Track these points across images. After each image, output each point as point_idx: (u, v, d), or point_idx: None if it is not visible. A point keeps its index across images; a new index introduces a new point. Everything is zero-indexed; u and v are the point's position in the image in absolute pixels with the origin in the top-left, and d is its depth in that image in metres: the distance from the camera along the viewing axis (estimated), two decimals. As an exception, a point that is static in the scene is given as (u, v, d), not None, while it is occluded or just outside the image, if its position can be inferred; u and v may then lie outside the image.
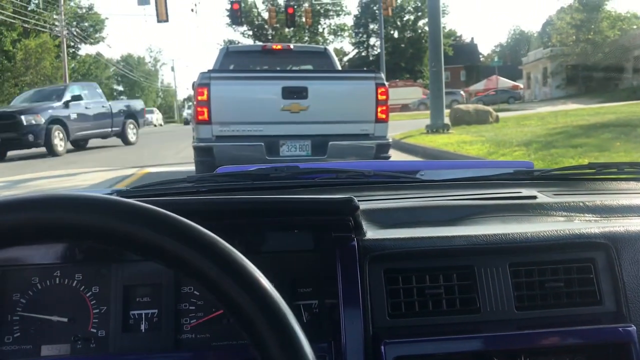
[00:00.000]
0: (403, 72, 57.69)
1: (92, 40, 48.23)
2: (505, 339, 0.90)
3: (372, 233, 0.98)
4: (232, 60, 7.05)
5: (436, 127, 13.73)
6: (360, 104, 5.53)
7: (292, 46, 7.50)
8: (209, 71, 5.58)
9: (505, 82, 46.49)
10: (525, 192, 1.30)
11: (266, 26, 55.31)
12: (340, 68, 7.37)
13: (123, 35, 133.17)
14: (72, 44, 42.50)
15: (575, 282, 0.96)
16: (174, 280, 0.95)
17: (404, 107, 40.95)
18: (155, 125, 40.55)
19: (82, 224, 0.48)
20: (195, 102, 5.49)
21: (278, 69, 6.67)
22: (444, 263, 0.95)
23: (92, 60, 51.91)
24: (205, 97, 5.31)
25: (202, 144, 5.43)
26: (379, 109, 5.51)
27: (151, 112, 43.86)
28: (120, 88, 78.14)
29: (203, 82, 5.35)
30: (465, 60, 65.18)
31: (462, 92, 42.24)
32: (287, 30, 55.26)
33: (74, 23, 44.03)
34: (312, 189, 1.34)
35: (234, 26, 56.11)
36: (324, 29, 57.73)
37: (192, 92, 6.00)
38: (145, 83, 72.62)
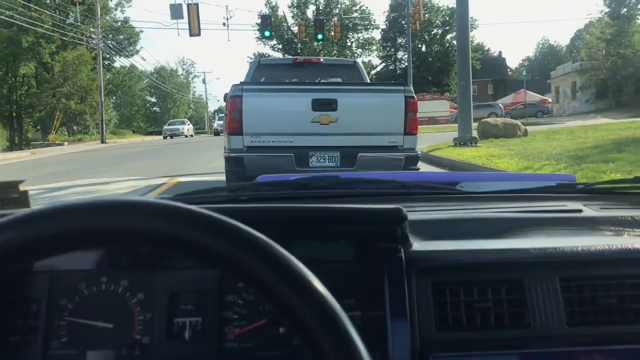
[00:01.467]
0: (430, 85, 57.48)
1: (126, 53, 49.02)
2: (556, 356, 0.87)
3: (418, 244, 0.96)
4: (263, 73, 7.13)
5: (464, 140, 13.59)
6: (390, 116, 5.56)
7: (322, 59, 7.63)
8: (241, 83, 5.67)
9: (533, 96, 45.91)
10: (570, 205, 1.28)
11: (295, 40, 55.69)
12: (369, 81, 7.48)
13: (156, 47, 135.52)
14: (107, 56, 43.38)
15: (629, 298, 0.92)
16: (218, 288, 0.94)
17: (431, 120, 40.61)
18: (186, 136, 40.81)
19: (150, 231, 0.48)
20: (227, 114, 5.60)
21: (307, 81, 6.79)
22: (493, 276, 0.92)
23: (125, 72, 52.85)
24: (237, 108, 5.39)
25: (234, 154, 5.50)
26: (408, 122, 5.53)
27: (182, 123, 45.34)
28: (153, 99, 79.20)
29: (235, 94, 5.44)
30: (492, 74, 64.64)
31: (500, 105, 41.74)
32: (315, 44, 55.55)
33: (110, 36, 44.89)
34: (353, 199, 1.33)
35: (264, 40, 56.55)
36: (352, 42, 57.91)
37: (222, 104, 7.18)
38: (177, 95, 73.56)
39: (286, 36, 54.59)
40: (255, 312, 0.93)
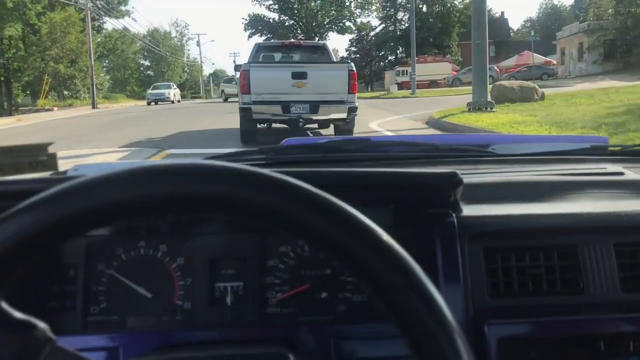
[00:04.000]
0: (431, 47, 55.75)
1: (116, 14, 46.58)
2: (612, 322, 0.85)
3: (466, 209, 0.93)
4: (262, 52, 10.56)
5: (479, 105, 12.48)
6: (339, 82, 8.67)
7: (302, 42, 12.12)
8: (248, 62, 9.11)
9: (537, 58, 44.36)
10: (610, 168, 1.25)
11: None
12: (334, 59, 11.23)
13: (148, 8, 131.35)
14: (96, 17, 41.03)
15: None
16: (259, 253, 0.92)
17: (432, 83, 39.29)
18: (172, 102, 36.50)
19: (241, 199, 0.46)
20: (240, 81, 8.78)
21: (291, 59, 10.53)
22: (545, 242, 0.90)
23: (118, 35, 50.05)
24: (246, 77, 8.56)
25: (245, 105, 8.63)
26: (350, 86, 8.67)
27: (168, 87, 39.82)
28: (147, 63, 76.98)
29: (245, 69, 8.69)
30: (494, 36, 62.76)
31: (496, 68, 40.39)
32: (313, 4, 53.57)
33: None
34: (385, 163, 1.31)
35: (260, 0, 54.63)
36: (350, 2, 55.81)
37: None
38: (171, 58, 71.43)
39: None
40: (297, 277, 0.92)
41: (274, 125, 9.64)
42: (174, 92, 38.01)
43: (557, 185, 1.11)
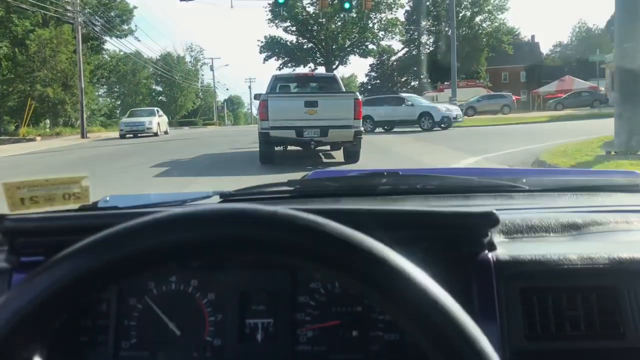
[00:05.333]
0: (458, 72, 51.84)
1: (117, 32, 42.71)
2: None
3: (500, 247, 0.93)
4: (279, 83, 12.47)
5: (628, 149, 8.32)
6: (346, 109, 10.06)
7: (314, 74, 15.21)
8: (267, 93, 10.81)
9: (579, 83, 40.33)
10: None
11: (311, 21, 50.24)
12: (343, 88, 12.71)
13: (154, 29, 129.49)
14: (93, 35, 36.90)
15: None
16: (290, 288, 0.93)
17: (470, 109, 35.35)
18: (155, 134, 26.85)
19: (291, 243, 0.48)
20: (259, 109, 10.48)
21: (302, 90, 12.45)
22: (583, 283, 0.89)
23: (121, 56, 45.48)
24: (265, 106, 10.08)
25: (263, 130, 10.00)
26: (356, 112, 10.02)
27: (150, 113, 29.16)
28: (159, 88, 73.91)
29: (264, 99, 10.25)
30: (525, 60, 59.00)
31: (513, 96, 36.62)
32: (333, 26, 50.10)
33: (99, 12, 38.12)
34: (415, 196, 1.32)
35: (276, 21, 51.25)
36: (374, 24, 52.20)
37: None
38: (184, 83, 68.34)
39: (301, 17, 49.06)
40: (328, 314, 0.92)
41: (289, 147, 11.26)
42: (157, 121, 27.94)
43: (592, 222, 1.09)
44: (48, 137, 28.24)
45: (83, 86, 29.08)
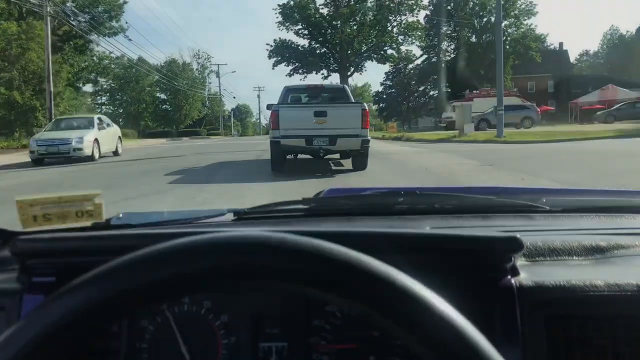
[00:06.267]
0: (482, 80, 48.10)
1: (106, 30, 38.07)
2: None
3: (524, 272, 0.91)
4: (290, 94, 12.81)
5: None
6: (354, 119, 10.52)
7: (324, 85, 15.53)
8: (278, 104, 11.30)
9: (625, 93, 36.30)
10: None
11: (325, 24, 46.36)
12: (352, 99, 13.17)
13: (168, 40, 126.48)
14: (75, 33, 32.16)
15: None
16: (304, 312, 0.93)
17: (482, 122, 31.19)
18: (90, 158, 17.02)
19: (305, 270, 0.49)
20: (271, 118, 10.94)
21: (313, 101, 12.81)
22: (611, 311, 0.86)
23: (110, 58, 39.78)
24: (276, 116, 10.58)
25: (275, 139, 10.54)
26: (363, 122, 10.52)
27: (87, 125, 18.22)
28: (164, 96, 70.52)
29: (275, 109, 10.71)
30: (553, 69, 54.96)
31: (537, 107, 32.37)
32: (349, 29, 46.24)
33: (84, 7, 32.92)
34: (434, 217, 1.31)
35: (287, 24, 47.47)
36: (393, 26, 48.27)
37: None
38: (189, 91, 64.85)
39: (314, 19, 45.19)
40: (343, 338, 0.92)
41: (299, 156, 12.15)
42: (95, 136, 17.72)
43: (617, 245, 1.06)
44: (6, 150, 22.33)
45: (52, 89, 24.82)
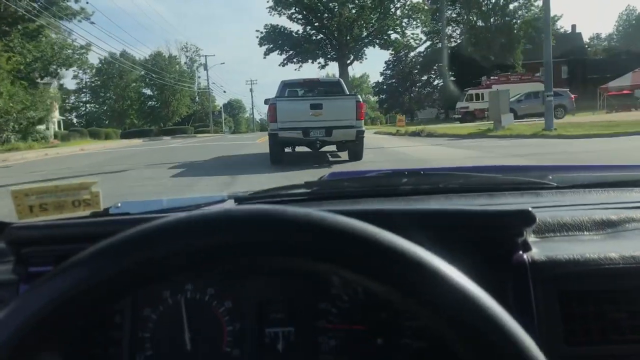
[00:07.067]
0: (493, 67, 44.17)
1: (62, 13, 31.34)
2: None
3: (536, 248, 0.91)
4: (287, 88, 13.31)
5: None
6: (348, 110, 11.10)
7: (320, 79, 15.38)
8: (276, 97, 12.04)
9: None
10: None
11: (320, 5, 42.00)
12: (347, 92, 13.48)
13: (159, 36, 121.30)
14: (20, 13, 26.19)
15: None
16: (310, 295, 0.92)
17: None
18: None
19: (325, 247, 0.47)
20: (269, 112, 11.52)
21: (309, 94, 13.36)
22: (627, 284, 0.86)
23: (73, 47, 31.37)
24: (274, 109, 11.18)
25: (272, 131, 11.23)
26: (358, 113, 11.09)
27: None
28: (150, 92, 66.24)
29: (273, 103, 11.35)
30: (567, 54, 51.02)
31: (571, 94, 28.15)
32: (347, 13, 41.96)
33: None
34: (438, 196, 1.31)
35: (279, 8, 43.17)
36: (397, 8, 44.02)
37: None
38: (177, 86, 60.55)
39: (308, 1, 40.86)
40: (350, 321, 0.92)
41: (297, 149, 12.86)
42: None
43: (628, 218, 1.06)
44: None
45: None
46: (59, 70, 30.15)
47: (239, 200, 1.25)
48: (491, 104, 20.76)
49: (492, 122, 20.37)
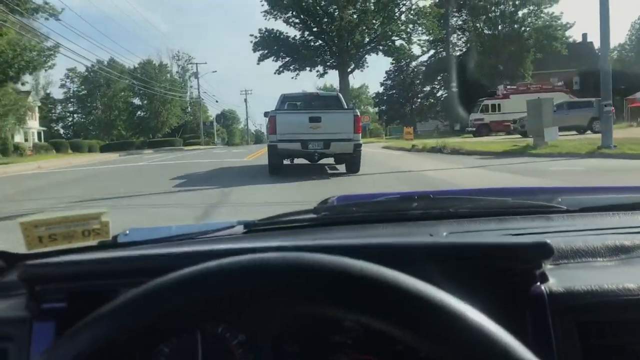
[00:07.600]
0: (502, 76, 41.37)
1: (21, 8, 26.60)
2: None
3: (552, 277, 0.90)
4: (287, 101, 14.00)
5: None
6: (346, 124, 11.60)
7: (319, 93, 16.50)
8: (275, 110, 12.56)
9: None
10: None
11: (319, 9, 39.04)
12: (345, 106, 13.98)
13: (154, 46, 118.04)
14: None
15: None
16: (325, 328, 0.92)
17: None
18: None
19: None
20: (268, 124, 12.07)
21: (308, 107, 13.34)
22: None
23: (39, 49, 26.59)
24: (274, 121, 11.65)
25: (272, 143, 11.76)
26: (355, 127, 11.61)
27: None
28: (139, 102, 63.05)
29: (272, 115, 11.86)
30: (578, 65, 48.52)
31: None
32: (349, 18, 39.01)
33: None
34: (449, 221, 1.29)
35: (275, 12, 40.16)
36: (401, 12, 41.13)
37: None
38: (167, 95, 57.38)
39: (305, 4, 37.89)
40: (365, 352, 0.92)
41: (296, 161, 13.60)
42: None
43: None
44: None
45: None
46: (20, 75, 25.82)
47: (247, 226, 1.25)
48: (530, 116, 17.10)
49: (531, 137, 17.16)
